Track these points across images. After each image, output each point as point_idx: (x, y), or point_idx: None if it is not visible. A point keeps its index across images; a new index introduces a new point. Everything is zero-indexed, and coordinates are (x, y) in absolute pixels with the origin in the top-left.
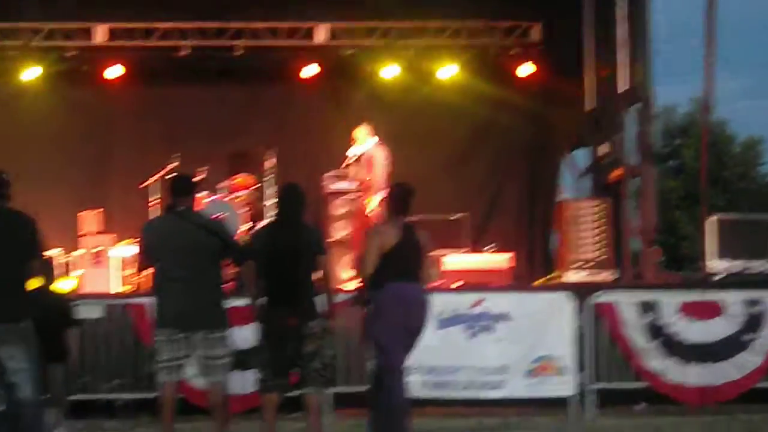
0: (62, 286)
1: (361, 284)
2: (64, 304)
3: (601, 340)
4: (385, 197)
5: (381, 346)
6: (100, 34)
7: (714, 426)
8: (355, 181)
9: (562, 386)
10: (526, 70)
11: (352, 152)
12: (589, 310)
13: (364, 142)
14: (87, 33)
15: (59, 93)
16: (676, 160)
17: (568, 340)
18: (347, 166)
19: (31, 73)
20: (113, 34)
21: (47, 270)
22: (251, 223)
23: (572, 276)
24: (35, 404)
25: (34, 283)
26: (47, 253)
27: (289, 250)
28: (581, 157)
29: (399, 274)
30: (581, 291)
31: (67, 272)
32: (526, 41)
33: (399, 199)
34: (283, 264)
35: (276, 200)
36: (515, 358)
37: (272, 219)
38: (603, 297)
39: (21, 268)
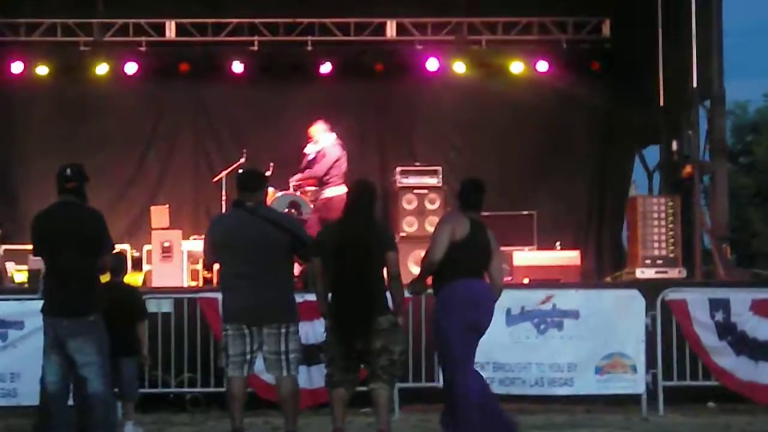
0: (133, 280)
1: (422, 273)
2: (134, 298)
3: (671, 338)
4: (458, 192)
5: (448, 342)
6: (171, 29)
7: None
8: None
9: (632, 383)
10: (596, 65)
11: (311, 150)
12: (660, 307)
13: (321, 139)
14: (159, 28)
15: (130, 88)
16: (747, 156)
17: (638, 337)
18: (307, 163)
19: (102, 69)
20: (184, 29)
21: (118, 264)
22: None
23: (642, 273)
24: (105, 397)
25: (104, 278)
26: (118, 248)
27: (358, 246)
28: (652, 153)
29: (467, 270)
30: (651, 288)
31: (137, 266)
32: (596, 37)
33: (470, 194)
34: (352, 260)
35: (346, 196)
36: (585, 355)
37: (342, 215)
38: (673, 294)
39: (90, 263)
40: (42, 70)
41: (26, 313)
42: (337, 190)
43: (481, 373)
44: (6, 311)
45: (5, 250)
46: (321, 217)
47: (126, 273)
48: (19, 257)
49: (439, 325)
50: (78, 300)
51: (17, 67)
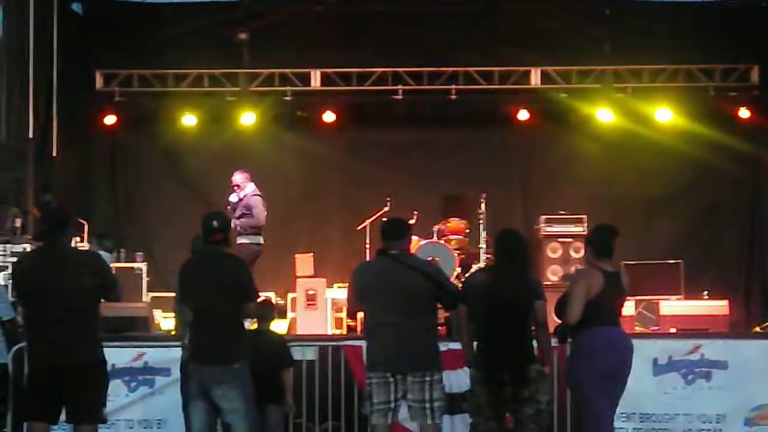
0: (278, 328)
1: (561, 327)
2: (280, 345)
3: None
4: (585, 240)
5: (583, 392)
6: (316, 78)
7: None
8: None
9: None
10: (745, 112)
11: (233, 198)
12: None
13: (244, 188)
14: (304, 78)
15: (276, 137)
16: None
17: None
18: (232, 211)
19: (249, 118)
20: (329, 78)
21: (264, 312)
22: (462, 267)
23: None
24: None
25: (250, 325)
26: (264, 295)
27: (508, 296)
28: None
29: (603, 318)
30: None
31: (282, 314)
32: (744, 84)
33: (604, 241)
34: (503, 308)
35: (495, 245)
36: (733, 406)
37: (489, 263)
38: None
39: (235, 311)
40: (189, 120)
41: (173, 360)
42: (251, 239)
43: (627, 424)
44: (153, 358)
45: (152, 298)
46: None
47: (272, 320)
48: (165, 304)
49: (573, 373)
50: (223, 347)
51: (165, 118)
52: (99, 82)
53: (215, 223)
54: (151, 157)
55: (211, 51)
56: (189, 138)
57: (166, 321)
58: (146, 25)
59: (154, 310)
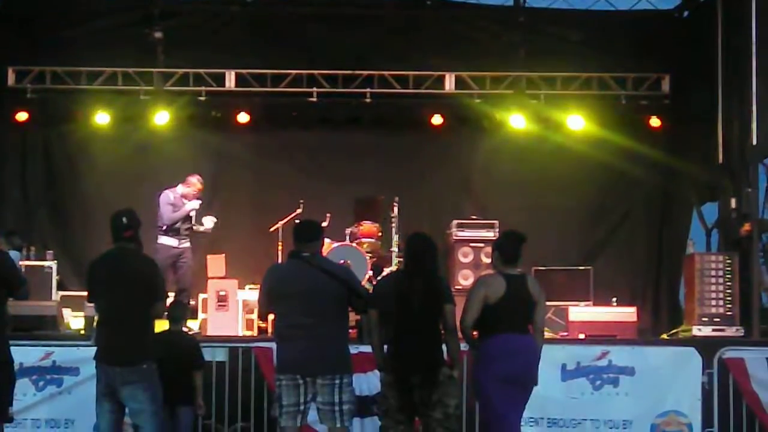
0: (189, 328)
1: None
2: (191, 346)
3: (728, 397)
4: (493, 246)
5: (486, 398)
6: (231, 79)
7: None
8: None
9: None
10: (656, 121)
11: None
12: (717, 365)
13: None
14: (218, 78)
15: (189, 137)
16: None
17: (694, 395)
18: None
19: (162, 117)
20: (243, 79)
21: (179, 313)
22: (373, 270)
23: (699, 330)
24: None
25: (159, 326)
26: (172, 296)
27: (417, 299)
28: (711, 210)
29: (505, 325)
30: (708, 346)
31: (192, 315)
32: (656, 93)
33: (510, 248)
34: (410, 312)
35: (404, 249)
36: (640, 412)
37: (400, 267)
38: (731, 352)
39: (144, 311)
40: (102, 118)
41: (82, 360)
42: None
43: (536, 428)
44: (62, 358)
45: (62, 297)
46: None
47: (186, 322)
48: (75, 304)
49: (473, 378)
50: (130, 348)
51: (78, 115)
52: (11, 78)
53: (125, 219)
54: (63, 154)
55: (125, 49)
56: (102, 136)
57: (75, 320)
58: (60, 21)
59: (63, 308)
